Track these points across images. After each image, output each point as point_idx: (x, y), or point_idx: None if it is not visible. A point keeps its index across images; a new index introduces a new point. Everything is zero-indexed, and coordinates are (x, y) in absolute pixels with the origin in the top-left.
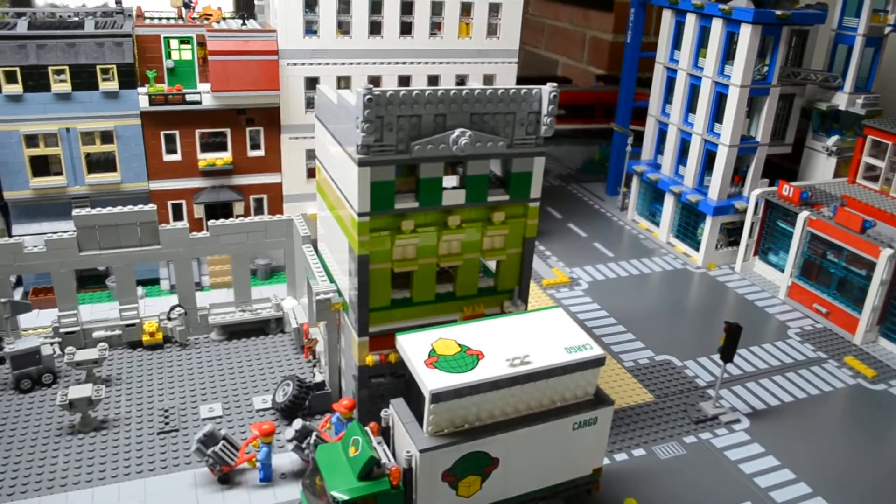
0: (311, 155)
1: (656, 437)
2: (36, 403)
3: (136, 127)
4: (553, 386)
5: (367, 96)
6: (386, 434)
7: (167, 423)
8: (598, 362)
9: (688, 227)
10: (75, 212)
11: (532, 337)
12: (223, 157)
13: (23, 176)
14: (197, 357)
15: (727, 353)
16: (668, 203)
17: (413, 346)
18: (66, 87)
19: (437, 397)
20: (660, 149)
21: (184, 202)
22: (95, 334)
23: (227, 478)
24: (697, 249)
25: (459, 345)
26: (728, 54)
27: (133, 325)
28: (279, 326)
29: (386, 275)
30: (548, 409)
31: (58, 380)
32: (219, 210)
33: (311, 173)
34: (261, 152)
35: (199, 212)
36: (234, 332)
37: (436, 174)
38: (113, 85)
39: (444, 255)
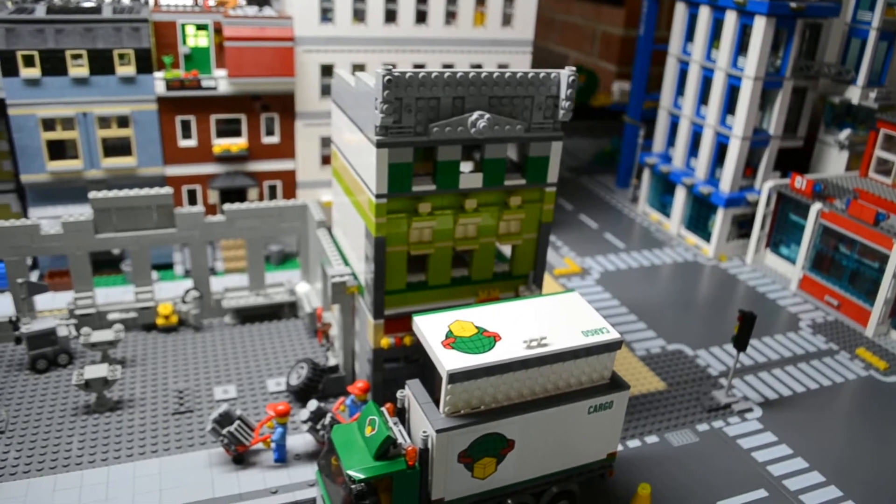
0: (325, 142)
1: (669, 424)
2: (52, 383)
3: (153, 112)
4: (569, 369)
5: (387, 77)
6: (401, 415)
7: (182, 404)
8: (614, 346)
9: (699, 218)
10: (92, 194)
11: (548, 320)
12: (238, 143)
13: (40, 159)
14: (211, 340)
15: (741, 342)
16: (680, 195)
17: (430, 328)
18: (83, 71)
19: (454, 377)
20: (671, 141)
21: (199, 187)
22: (110, 316)
23: (241, 458)
24: (708, 241)
25: (476, 326)
26: (741, 47)
27: (148, 307)
28: (292, 311)
29: (402, 257)
30: (563, 392)
31: (73, 360)
32: (233, 196)
33: (325, 160)
34: (275, 139)
35: (213, 197)
36: (247, 316)
37: (453, 157)
38: (130, 70)
39: (460, 239)
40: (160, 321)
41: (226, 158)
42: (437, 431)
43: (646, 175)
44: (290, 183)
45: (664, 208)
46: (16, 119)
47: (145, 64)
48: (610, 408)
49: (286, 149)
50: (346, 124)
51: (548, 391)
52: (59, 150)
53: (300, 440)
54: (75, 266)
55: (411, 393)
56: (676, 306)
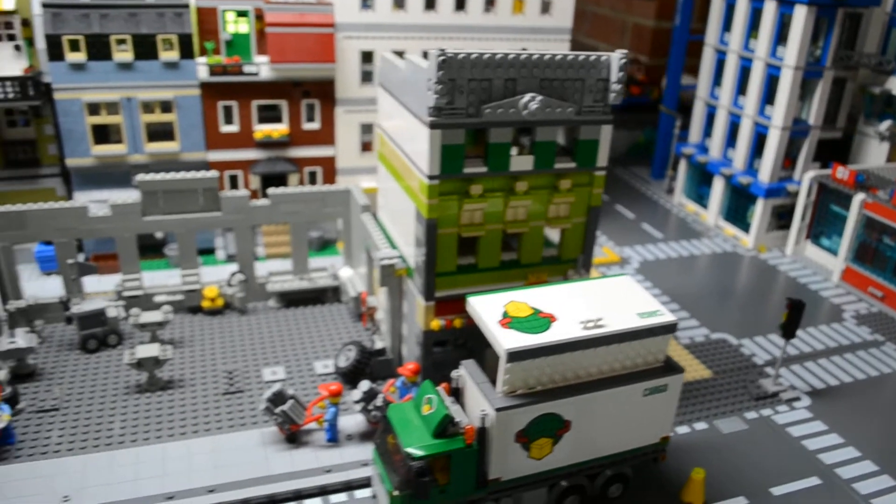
0: (365, 129)
1: (717, 411)
2: (102, 363)
3: (195, 97)
4: (625, 351)
5: (441, 58)
6: (456, 395)
7: (232, 385)
8: (670, 328)
9: (737, 209)
10: (139, 176)
11: (603, 302)
12: (279, 129)
13: (85, 143)
14: (256, 323)
15: (789, 330)
16: (718, 185)
17: (485, 308)
18: (127, 56)
19: (513, 356)
20: (708, 131)
21: (240, 172)
22: (157, 298)
23: (294, 437)
24: (747, 232)
25: (531, 307)
26: (781, 36)
27: (194, 290)
28: (335, 296)
29: (453, 240)
30: (618, 375)
31: (122, 341)
32: (274, 181)
33: (365, 147)
34: (316, 125)
35: (254, 182)
36: (291, 299)
37: (505, 139)
38: (173, 55)
39: (510, 222)
40: (206, 304)
41: (267, 144)
42: (497, 410)
43: (682, 166)
44: (329, 169)
45: (701, 199)
46: (62, 103)
47: (188, 49)
48: (664, 391)
49: (326, 135)
50: (396, 108)
51: (603, 373)
52: (103, 134)
53: (350, 421)
54: (123, 248)
55: (467, 373)
56: (717, 296)
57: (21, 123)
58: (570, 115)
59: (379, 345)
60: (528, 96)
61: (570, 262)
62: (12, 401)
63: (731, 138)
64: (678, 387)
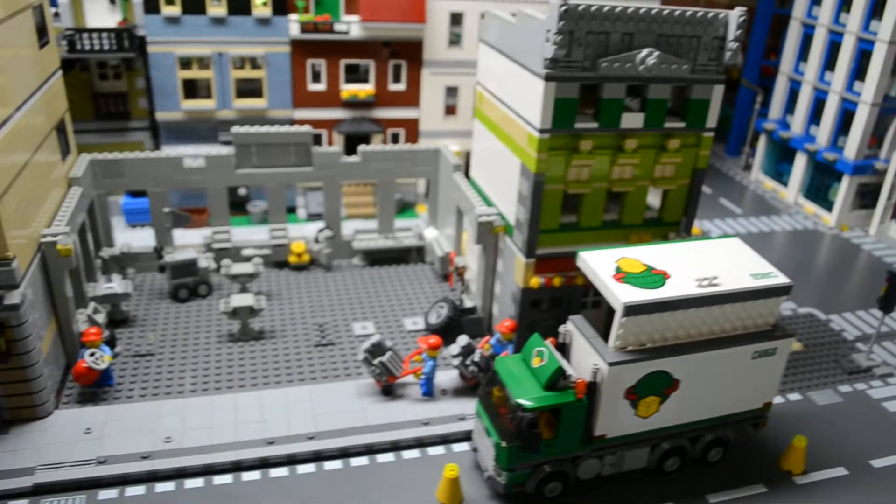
0: (450, 92)
1: (810, 383)
2: (193, 312)
3: (285, 55)
4: (737, 311)
5: (563, 7)
6: (562, 350)
7: (323, 337)
8: (784, 290)
9: (819, 187)
10: (234, 129)
11: (715, 261)
12: (365, 89)
13: (175, 98)
14: (342, 279)
15: (888, 304)
16: (800, 162)
17: (598, 262)
18: (221, 10)
19: (630, 310)
20: (789, 107)
21: (325, 132)
22: (245, 252)
23: (389, 389)
24: (829, 210)
25: (643, 264)
26: (874, 9)
27: (282, 245)
28: (419, 256)
29: (558, 196)
30: (729, 335)
31: (211, 291)
32: (357, 142)
33: (449, 110)
34: (401, 86)
35: (338, 142)
36: (375, 258)
37: (618, 95)
38: (266, 11)
39: (615, 181)
40: (292, 259)
41: (352, 104)
42: (610, 364)
43: (762, 141)
44: (412, 131)
45: (780, 176)
46: (155, 57)
47: (280, 6)
48: (773, 354)
49: (411, 96)
50: (502, 63)
51: (713, 333)
52: (192, 89)
53: (444, 376)
54: (214, 200)
55: (575, 328)
56: (800, 272)
57: (112, 77)
58: (685, 72)
59: (468, 303)
60: (645, 51)
61: (672, 224)
62: (109, 344)
63: (815, 114)
64: (786, 352)
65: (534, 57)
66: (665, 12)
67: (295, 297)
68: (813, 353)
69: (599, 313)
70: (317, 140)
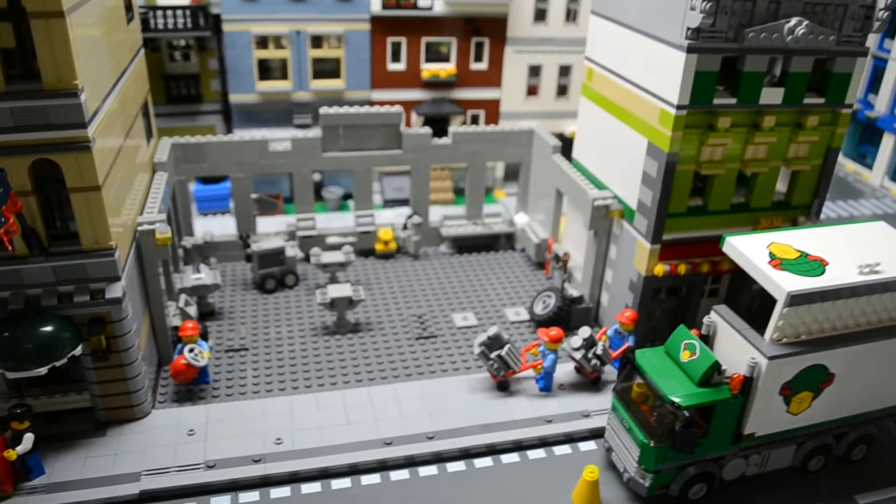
0: (533, 71)
1: None
2: (282, 303)
3: (365, 32)
4: None
5: None
6: (705, 342)
7: (424, 329)
8: None
9: None
10: (322, 109)
11: (868, 246)
12: (447, 69)
13: (250, 79)
14: (432, 268)
15: None
16: (887, 143)
17: (749, 248)
18: None
19: (795, 300)
20: (872, 87)
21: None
22: (329, 240)
23: (505, 384)
24: None
25: (796, 250)
26: None
27: (368, 232)
28: (509, 242)
29: (688, 177)
30: (885, 326)
31: (298, 282)
32: (434, 124)
33: (531, 90)
34: (483, 65)
35: (416, 125)
36: (462, 245)
37: (760, 68)
38: None
39: (749, 161)
40: (379, 247)
41: (432, 84)
42: (770, 358)
43: None
44: (492, 112)
45: (863, 158)
46: (230, 35)
47: None
48: None
49: (493, 76)
50: (626, 37)
51: (870, 323)
52: (265, 71)
53: (559, 370)
54: (299, 185)
55: (721, 319)
56: None
57: (181, 58)
58: (830, 43)
59: (574, 293)
60: (794, 20)
61: (801, 207)
62: (202, 338)
63: None
64: None
65: (671, 27)
66: None
67: (386, 286)
68: None
69: (716, 303)
70: None
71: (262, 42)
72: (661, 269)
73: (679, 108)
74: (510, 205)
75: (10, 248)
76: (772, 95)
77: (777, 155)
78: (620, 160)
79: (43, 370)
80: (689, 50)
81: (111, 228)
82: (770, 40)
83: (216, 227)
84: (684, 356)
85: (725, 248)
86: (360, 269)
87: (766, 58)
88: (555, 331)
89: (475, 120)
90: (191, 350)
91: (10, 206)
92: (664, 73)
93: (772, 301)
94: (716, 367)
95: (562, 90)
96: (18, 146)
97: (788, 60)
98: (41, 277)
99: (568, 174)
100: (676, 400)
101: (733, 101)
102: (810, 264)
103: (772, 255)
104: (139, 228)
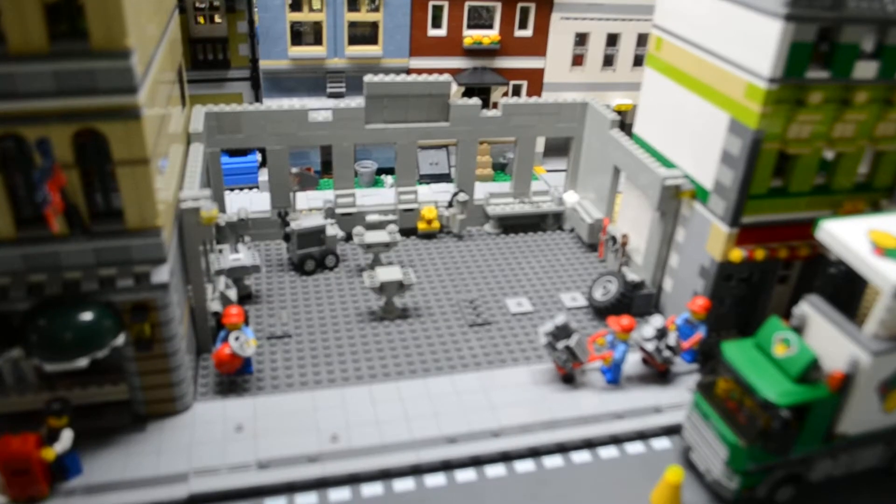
0: (579, 39)
1: None
2: (323, 286)
3: None
4: None
5: None
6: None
7: (478, 316)
8: None
9: None
10: (367, 77)
11: None
12: (490, 35)
13: (282, 44)
14: (478, 249)
15: None
16: None
17: (848, 235)
18: None
19: None
20: None
21: None
22: (369, 218)
23: (570, 377)
24: None
25: None
26: None
27: (411, 210)
28: (556, 222)
29: (772, 157)
30: None
31: (338, 263)
32: (474, 94)
33: (576, 60)
34: (528, 32)
35: (456, 95)
36: (508, 225)
37: (857, 39)
38: None
39: (836, 139)
40: (422, 226)
41: (474, 52)
42: (874, 354)
43: None
44: (535, 83)
45: None
46: None
47: None
48: None
49: (538, 44)
50: (705, 3)
51: None
52: (297, 36)
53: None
54: (339, 160)
55: (815, 310)
56: None
57: (208, 20)
58: None
59: (633, 277)
60: None
61: (883, 190)
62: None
63: None
64: None
65: None
66: None
67: (431, 268)
68: None
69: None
70: None
71: (296, 4)
72: (738, 254)
73: (771, 81)
74: (552, 181)
75: (54, 227)
76: (865, 69)
77: (864, 134)
78: (693, 137)
79: (84, 362)
80: (788, 17)
81: (158, 205)
82: (871, 9)
83: (245, 203)
84: (778, 350)
85: (820, 235)
86: (403, 250)
87: (863, 28)
88: (626, 320)
89: (517, 91)
90: (236, 338)
91: (55, 180)
92: (753, 42)
93: (853, 290)
94: (814, 364)
95: (607, 60)
96: (61, 114)
97: (885, 32)
98: (81, 259)
99: (631, 151)
100: (774, 398)
101: (826, 74)
102: None
103: (874, 244)
104: (182, 206)
